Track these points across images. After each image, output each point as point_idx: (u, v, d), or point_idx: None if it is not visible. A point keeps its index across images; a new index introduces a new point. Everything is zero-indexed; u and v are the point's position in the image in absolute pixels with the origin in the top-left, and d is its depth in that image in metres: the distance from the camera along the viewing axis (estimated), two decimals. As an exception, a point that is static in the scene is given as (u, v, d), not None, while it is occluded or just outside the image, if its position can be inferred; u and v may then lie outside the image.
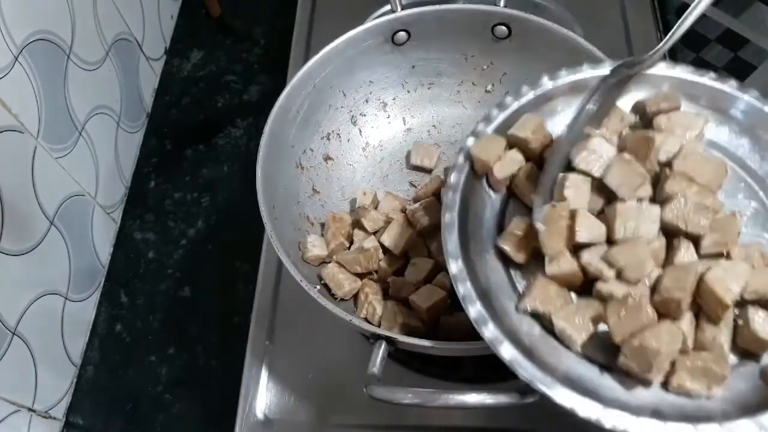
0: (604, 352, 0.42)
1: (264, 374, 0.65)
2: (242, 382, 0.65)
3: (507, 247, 0.47)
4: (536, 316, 0.45)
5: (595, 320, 0.43)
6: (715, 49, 1.64)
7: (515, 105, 0.52)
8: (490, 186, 0.51)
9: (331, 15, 0.88)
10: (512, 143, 0.51)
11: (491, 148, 0.50)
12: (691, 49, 1.60)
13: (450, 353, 0.54)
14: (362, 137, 0.72)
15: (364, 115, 0.72)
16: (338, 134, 0.70)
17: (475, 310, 0.43)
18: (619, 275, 0.43)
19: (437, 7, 0.66)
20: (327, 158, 0.69)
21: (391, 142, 0.73)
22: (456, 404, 0.45)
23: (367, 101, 0.71)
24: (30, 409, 0.62)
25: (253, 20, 0.96)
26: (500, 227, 0.50)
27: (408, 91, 0.73)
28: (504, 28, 0.67)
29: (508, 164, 0.50)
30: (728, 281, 0.41)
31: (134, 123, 0.84)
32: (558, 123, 0.52)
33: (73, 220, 0.70)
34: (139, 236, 0.79)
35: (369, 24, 0.66)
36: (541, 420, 0.61)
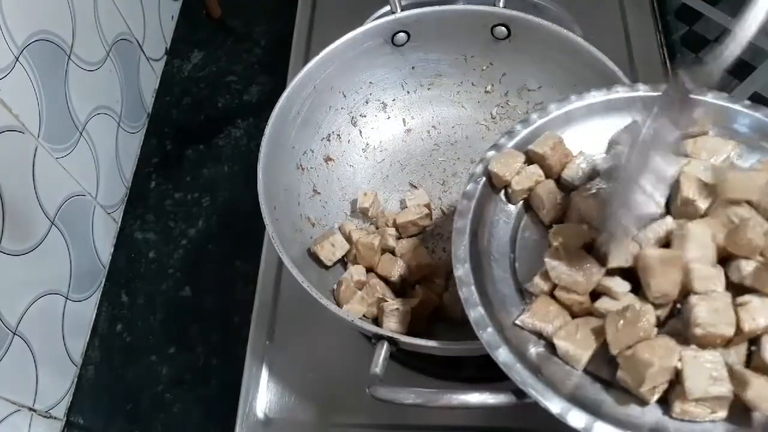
0: (608, 367, 0.42)
1: (264, 374, 0.65)
2: (242, 382, 0.65)
3: (531, 288, 0.47)
4: (541, 335, 0.45)
5: (597, 333, 0.42)
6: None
7: (539, 122, 0.52)
8: (507, 198, 0.51)
9: (331, 16, 0.88)
10: (531, 159, 0.51)
11: (510, 162, 0.50)
12: (691, 49, 1.60)
13: (452, 353, 0.54)
14: (362, 138, 0.72)
15: (364, 116, 0.72)
16: (338, 135, 0.71)
17: (475, 313, 0.43)
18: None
19: (437, 7, 0.66)
20: (327, 159, 0.69)
21: (391, 143, 0.73)
22: (458, 404, 0.45)
23: (367, 102, 0.72)
24: (31, 409, 0.63)
25: (253, 21, 0.96)
26: (513, 239, 0.50)
27: (408, 92, 0.73)
28: (503, 28, 0.67)
29: (527, 178, 0.50)
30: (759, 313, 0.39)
31: (135, 123, 0.85)
32: (581, 142, 0.52)
33: (74, 220, 0.70)
34: (139, 236, 0.80)
35: (369, 25, 0.66)
36: (544, 420, 0.61)
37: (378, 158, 0.73)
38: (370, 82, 0.71)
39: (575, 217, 0.49)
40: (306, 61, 0.65)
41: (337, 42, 0.65)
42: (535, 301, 0.45)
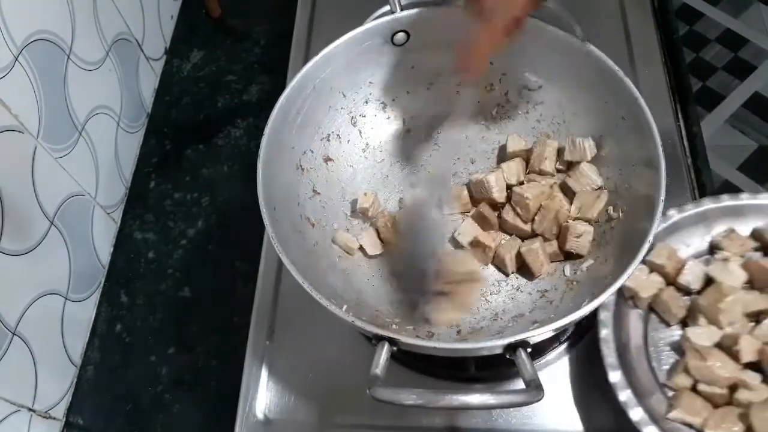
0: None
1: (264, 374, 0.65)
2: (242, 382, 0.65)
3: (673, 384, 0.58)
4: (691, 426, 0.55)
5: (742, 420, 0.53)
6: (715, 49, 1.64)
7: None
8: (634, 303, 0.63)
9: (330, 16, 0.88)
10: (650, 268, 0.63)
11: (638, 275, 0.62)
12: (692, 49, 1.60)
13: (452, 354, 0.54)
14: (362, 138, 0.72)
15: (364, 116, 0.72)
16: (338, 135, 0.70)
17: (636, 414, 0.54)
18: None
19: (437, 7, 0.66)
20: (327, 159, 0.69)
21: (391, 143, 0.73)
22: (459, 405, 0.45)
23: (366, 102, 0.71)
24: (30, 409, 0.62)
25: (253, 20, 0.96)
26: (645, 338, 0.62)
27: (407, 92, 0.73)
28: (504, 28, 0.67)
29: (650, 286, 0.62)
30: None
31: (134, 123, 0.84)
32: (687, 249, 0.65)
33: (73, 220, 0.70)
34: (139, 236, 0.80)
35: (368, 25, 0.66)
36: (544, 421, 0.61)
37: (378, 158, 0.73)
38: (370, 82, 0.71)
39: (699, 318, 0.60)
40: (306, 60, 0.65)
41: (337, 42, 0.65)
42: (681, 397, 0.56)
